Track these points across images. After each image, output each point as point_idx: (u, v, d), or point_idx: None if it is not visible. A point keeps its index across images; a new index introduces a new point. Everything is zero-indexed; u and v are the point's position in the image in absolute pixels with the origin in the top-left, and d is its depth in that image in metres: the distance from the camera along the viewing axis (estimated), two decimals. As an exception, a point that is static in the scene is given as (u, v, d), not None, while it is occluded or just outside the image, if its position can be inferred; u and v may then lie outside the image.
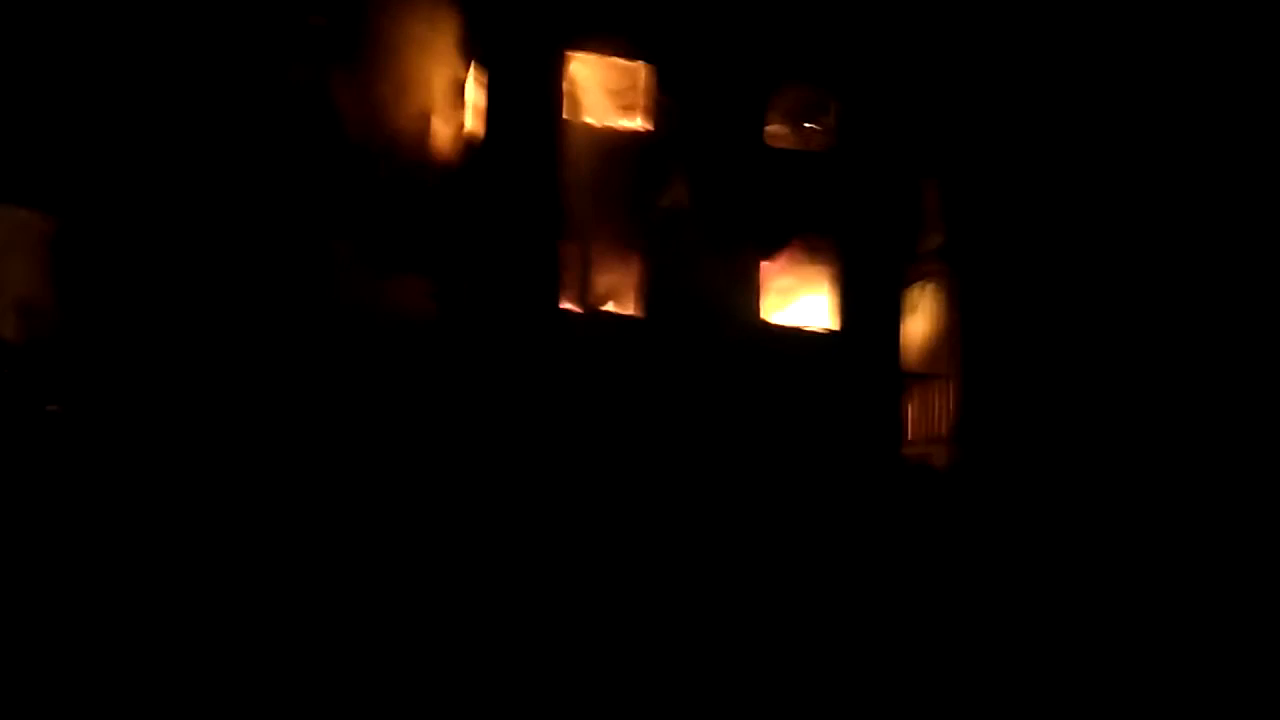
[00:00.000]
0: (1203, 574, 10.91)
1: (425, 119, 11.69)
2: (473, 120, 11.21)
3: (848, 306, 11.83)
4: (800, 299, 11.82)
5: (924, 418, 12.27)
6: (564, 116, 11.22)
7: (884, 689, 10.53)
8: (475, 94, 11.21)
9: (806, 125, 11.92)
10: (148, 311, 10.69)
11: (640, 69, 11.41)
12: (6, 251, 10.94)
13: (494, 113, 10.99)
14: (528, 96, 11.09)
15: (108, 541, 9.56)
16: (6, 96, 10.47)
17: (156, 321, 10.68)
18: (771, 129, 11.80)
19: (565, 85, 11.28)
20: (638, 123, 11.35)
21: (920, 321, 12.10)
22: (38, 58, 10.46)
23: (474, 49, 11.21)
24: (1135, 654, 10.34)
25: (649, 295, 11.30)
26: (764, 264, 11.66)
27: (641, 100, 11.42)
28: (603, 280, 11.37)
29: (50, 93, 10.54)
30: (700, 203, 11.28)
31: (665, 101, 11.31)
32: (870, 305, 11.91)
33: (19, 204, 10.82)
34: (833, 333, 11.74)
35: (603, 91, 11.48)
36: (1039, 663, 10.46)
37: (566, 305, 11.13)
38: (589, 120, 11.35)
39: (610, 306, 11.31)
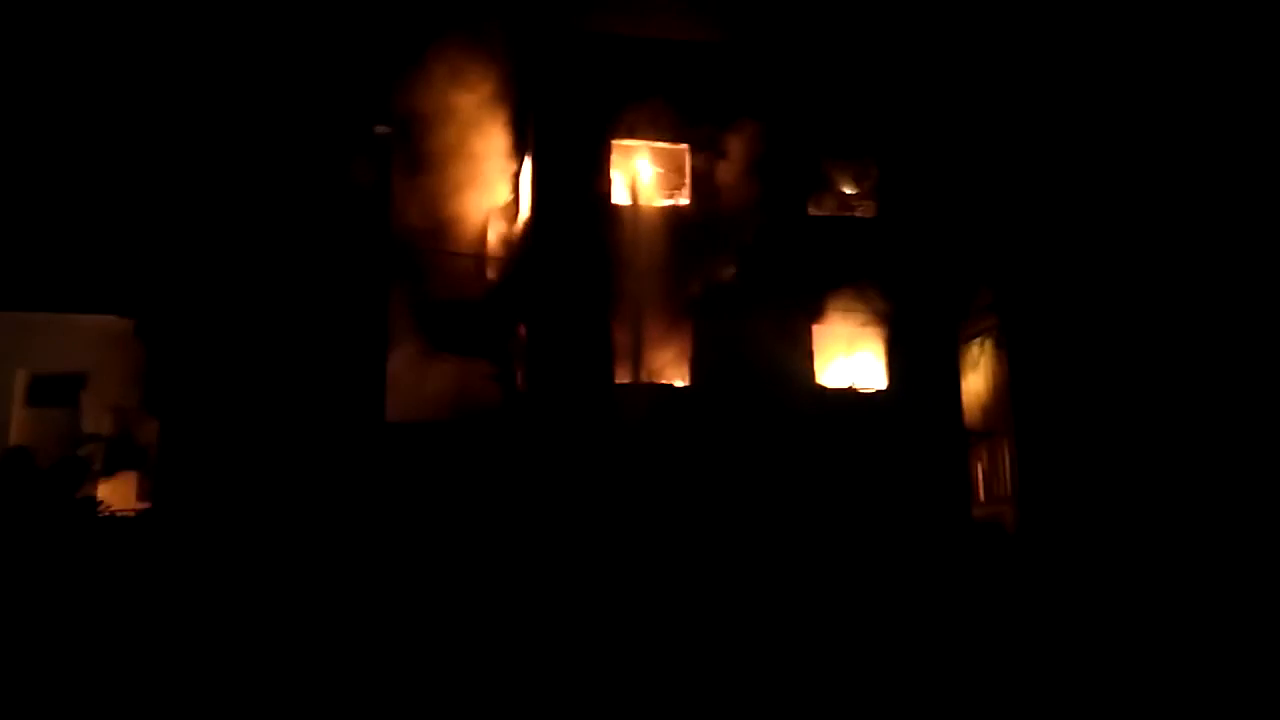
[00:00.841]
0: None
1: (482, 212, 12.31)
2: (527, 210, 11.73)
3: (904, 366, 11.85)
4: (855, 361, 11.87)
5: (992, 477, 12.13)
6: (611, 199, 11.65)
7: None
8: (529, 186, 11.75)
9: (849, 192, 12.20)
10: (225, 402, 11.29)
11: (683, 150, 11.87)
12: (102, 357, 11.71)
13: (544, 201, 11.46)
14: (576, 184, 11.51)
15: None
16: (94, 213, 11.32)
17: (233, 409, 11.27)
18: (815, 198, 12.11)
19: (611, 170, 11.72)
20: (682, 200, 11.78)
21: (979, 378, 12.06)
22: (118, 170, 11.30)
23: (525, 144, 11.80)
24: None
25: (702, 365, 11.49)
26: (816, 328, 11.82)
27: (685, 179, 11.85)
28: (656, 353, 11.62)
29: (133, 203, 11.35)
30: (748, 273, 11.56)
31: (708, 179, 11.73)
32: (927, 363, 11.91)
33: (108, 311, 11.61)
34: (890, 392, 11.78)
35: (648, 173, 11.94)
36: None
37: (621, 379, 11.44)
38: (636, 201, 11.80)
39: (664, 379, 11.57)
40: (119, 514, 11.16)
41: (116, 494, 11.27)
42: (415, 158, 11.70)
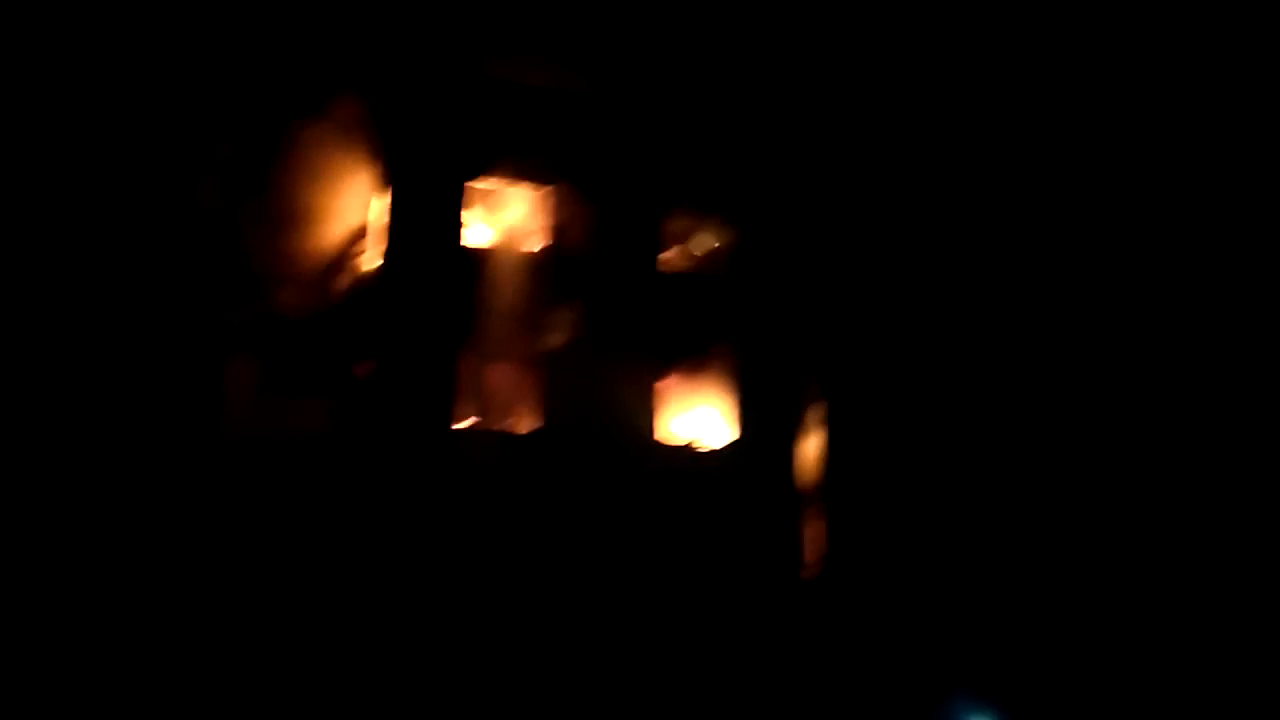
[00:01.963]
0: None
1: (334, 240, 11.97)
2: (379, 247, 11.48)
3: (746, 425, 12.08)
4: (698, 417, 12.06)
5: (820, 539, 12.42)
6: (466, 241, 11.56)
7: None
8: (382, 221, 11.50)
9: (702, 251, 12.40)
10: (40, 417, 10.62)
11: (541, 196, 11.84)
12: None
13: (397, 237, 11.31)
14: (430, 222, 11.42)
15: None
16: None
17: (50, 425, 10.61)
18: (667, 252, 12.27)
19: (468, 211, 11.66)
20: (538, 247, 11.73)
21: (817, 441, 12.36)
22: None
23: (382, 178, 11.55)
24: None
25: (548, 414, 11.44)
26: (661, 383, 11.91)
27: (542, 225, 11.82)
28: (502, 399, 11.52)
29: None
30: (599, 323, 11.58)
31: (565, 227, 11.73)
32: (769, 424, 12.17)
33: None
34: (729, 451, 11.98)
35: (506, 217, 11.89)
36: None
37: (461, 423, 11.29)
38: (490, 244, 11.73)
39: (509, 426, 11.48)
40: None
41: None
42: (265, 179, 11.30)
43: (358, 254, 11.96)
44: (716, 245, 12.32)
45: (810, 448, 12.24)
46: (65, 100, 11.04)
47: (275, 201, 11.42)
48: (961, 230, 11.92)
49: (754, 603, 11.56)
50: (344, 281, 11.85)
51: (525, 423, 11.56)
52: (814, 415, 12.27)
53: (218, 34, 11.15)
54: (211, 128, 11.29)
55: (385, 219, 11.40)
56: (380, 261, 11.31)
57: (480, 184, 11.70)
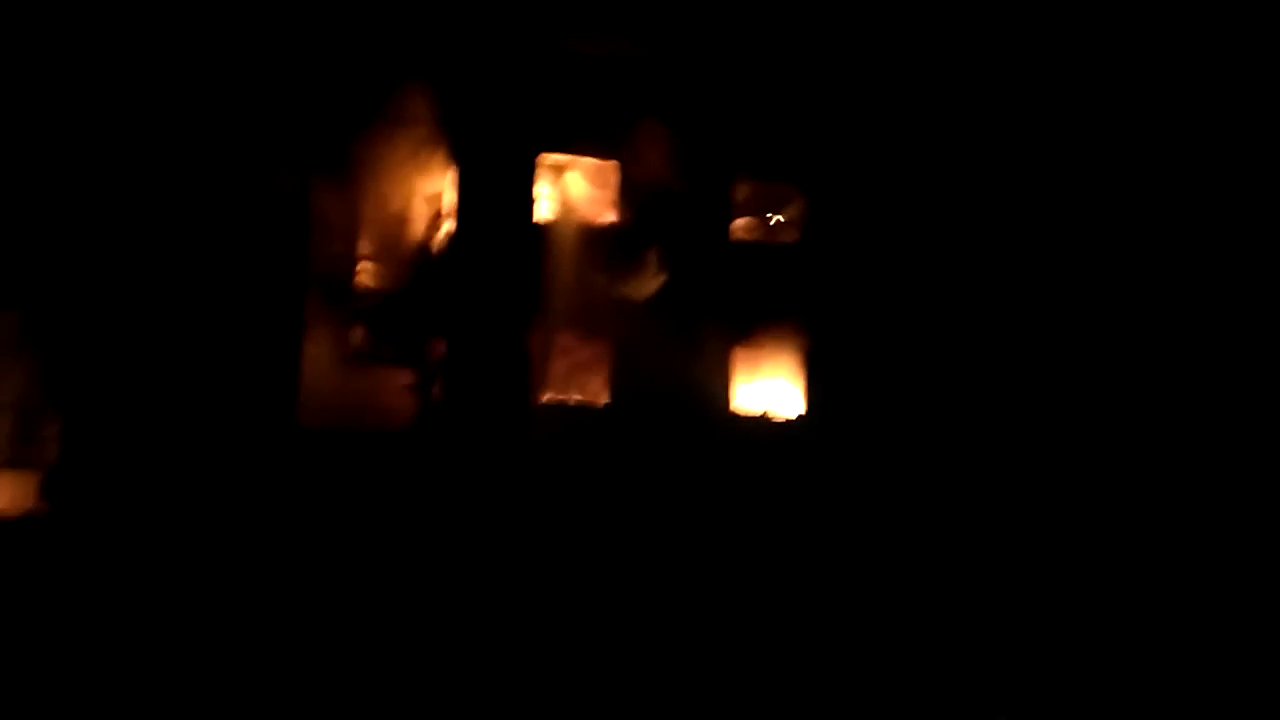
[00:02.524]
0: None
1: (409, 218, 12.13)
2: (451, 221, 11.61)
3: (822, 395, 12.02)
4: (772, 387, 12.03)
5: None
6: (536, 214, 11.64)
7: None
8: (454, 196, 11.62)
9: (774, 218, 12.29)
10: (131, 400, 11.01)
11: (610, 167, 11.85)
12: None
13: (467, 213, 11.41)
14: (500, 197, 11.51)
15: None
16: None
17: (139, 408, 10.99)
18: (738, 222, 12.20)
19: (537, 184, 11.70)
20: (608, 218, 11.74)
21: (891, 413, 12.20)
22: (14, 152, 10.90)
23: (452, 154, 11.65)
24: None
25: (621, 386, 11.56)
26: (735, 353, 11.90)
27: (612, 197, 11.84)
28: (575, 372, 11.63)
29: (31, 192, 10.96)
30: (670, 295, 11.58)
31: (635, 198, 11.73)
32: (844, 393, 12.07)
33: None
34: (805, 421, 11.94)
35: (574, 189, 11.92)
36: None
37: (539, 397, 11.43)
38: (561, 217, 11.75)
39: (583, 398, 11.61)
40: (6, 518, 10.86)
41: (13, 495, 10.95)
42: (341, 158, 11.47)
43: (433, 232, 12.14)
44: (790, 214, 12.21)
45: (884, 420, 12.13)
46: (148, 92, 11.33)
47: (353, 183, 11.64)
48: (1043, 205, 11.66)
49: (832, 574, 11.52)
50: (420, 259, 12.04)
51: (604, 394, 11.68)
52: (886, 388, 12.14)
53: (297, 26, 11.31)
54: (291, 113, 11.51)
55: (457, 196, 11.53)
56: (454, 238, 11.48)
57: (552, 157, 11.72)
